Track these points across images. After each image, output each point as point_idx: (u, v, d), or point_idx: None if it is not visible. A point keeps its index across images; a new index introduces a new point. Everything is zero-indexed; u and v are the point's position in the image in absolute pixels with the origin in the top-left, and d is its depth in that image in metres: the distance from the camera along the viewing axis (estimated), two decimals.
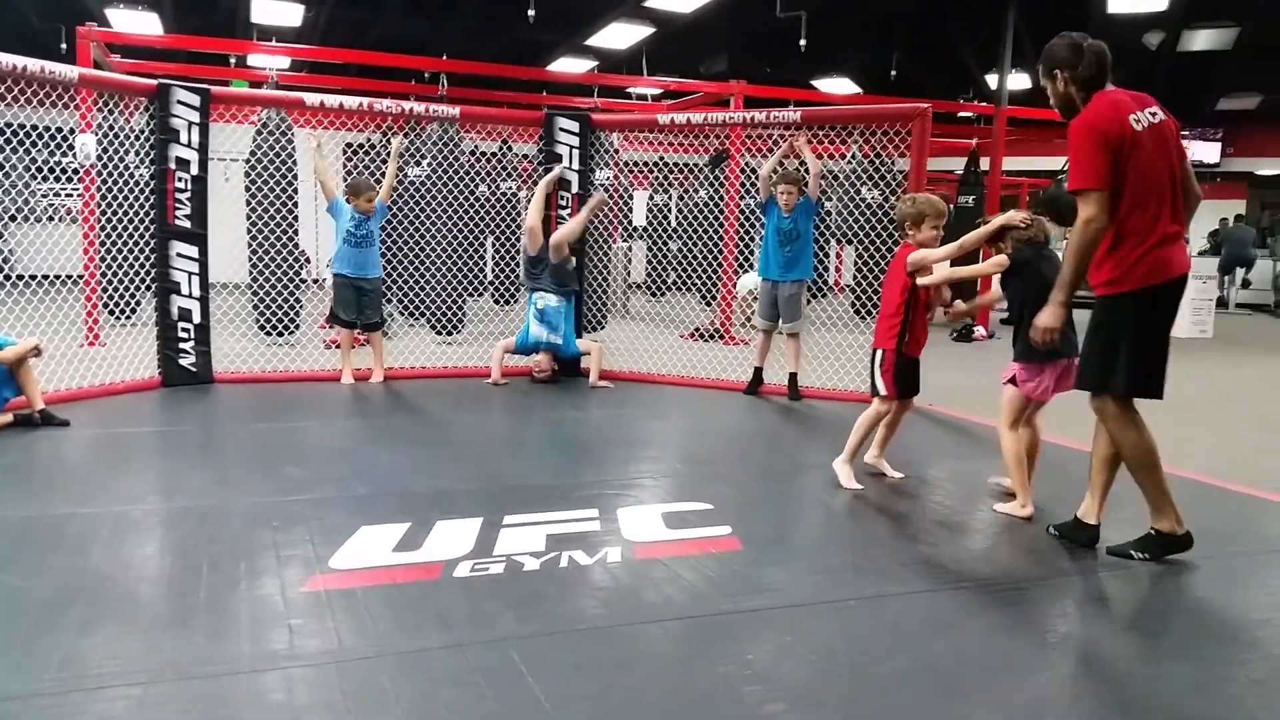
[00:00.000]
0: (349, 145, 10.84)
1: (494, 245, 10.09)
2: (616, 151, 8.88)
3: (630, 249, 12.80)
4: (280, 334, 7.83)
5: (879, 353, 4.22)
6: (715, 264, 9.56)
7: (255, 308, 7.84)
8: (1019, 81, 14.49)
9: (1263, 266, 16.47)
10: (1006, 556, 3.49)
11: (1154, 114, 3.24)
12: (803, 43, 11.72)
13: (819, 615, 2.80)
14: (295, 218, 7.81)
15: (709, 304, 10.67)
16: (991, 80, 12.84)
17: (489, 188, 9.67)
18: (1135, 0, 10.87)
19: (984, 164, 11.90)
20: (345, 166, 10.73)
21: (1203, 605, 3.08)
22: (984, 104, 13.33)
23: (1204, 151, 18.26)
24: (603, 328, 8.27)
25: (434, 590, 2.88)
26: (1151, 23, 12.06)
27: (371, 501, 3.78)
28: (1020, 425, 3.93)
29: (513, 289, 9.75)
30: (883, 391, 4.20)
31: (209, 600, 2.76)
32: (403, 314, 8.83)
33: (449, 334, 8.54)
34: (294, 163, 7.72)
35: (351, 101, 6.87)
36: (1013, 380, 3.91)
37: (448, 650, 2.47)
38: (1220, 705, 2.37)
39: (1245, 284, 16.38)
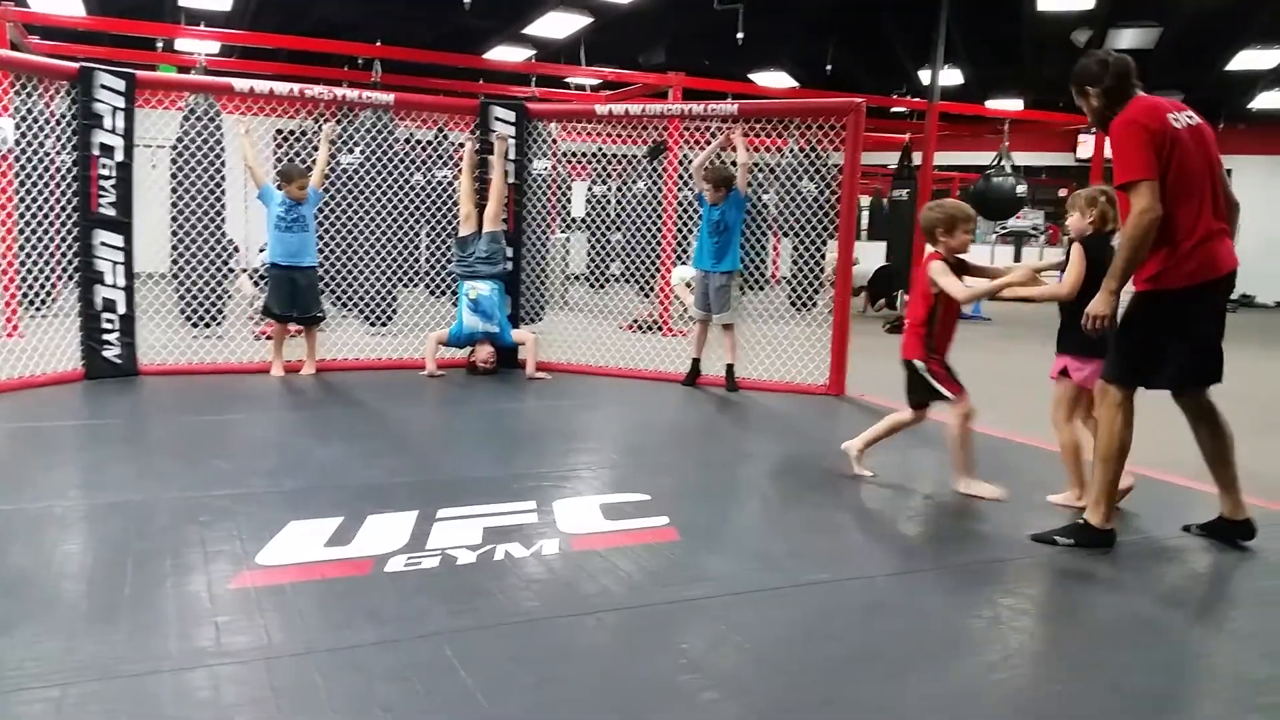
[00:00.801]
0: (279, 131, 10.60)
1: (429, 235, 9.97)
2: (554, 142, 8.84)
3: (569, 240, 12.76)
4: (207, 325, 7.66)
5: (918, 364, 4.03)
6: (654, 255, 9.58)
7: (180, 298, 7.65)
8: (951, 77, 14.76)
9: None
10: (937, 542, 3.57)
11: (1190, 117, 3.34)
12: (740, 36, 11.79)
13: (754, 603, 2.83)
14: (223, 206, 7.63)
15: (646, 295, 10.69)
16: (924, 76, 13.06)
17: (424, 176, 9.54)
18: None
19: (917, 158, 12.11)
20: (276, 153, 10.50)
21: (1120, 589, 3.16)
22: (917, 99, 13.55)
23: None
24: (540, 319, 8.23)
25: (366, 585, 2.85)
26: (1079, 20, 12.35)
27: (302, 496, 3.72)
28: (1073, 419, 3.89)
29: (448, 279, 9.65)
30: (950, 395, 3.98)
31: (134, 598, 2.69)
32: (334, 304, 8.69)
33: (381, 325, 8.44)
34: (222, 150, 7.53)
35: (282, 87, 6.73)
36: (1064, 373, 3.85)
37: (380, 646, 2.45)
38: (1133, 691, 2.45)
39: None
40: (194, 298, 7.56)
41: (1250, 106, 16.52)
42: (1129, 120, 3.27)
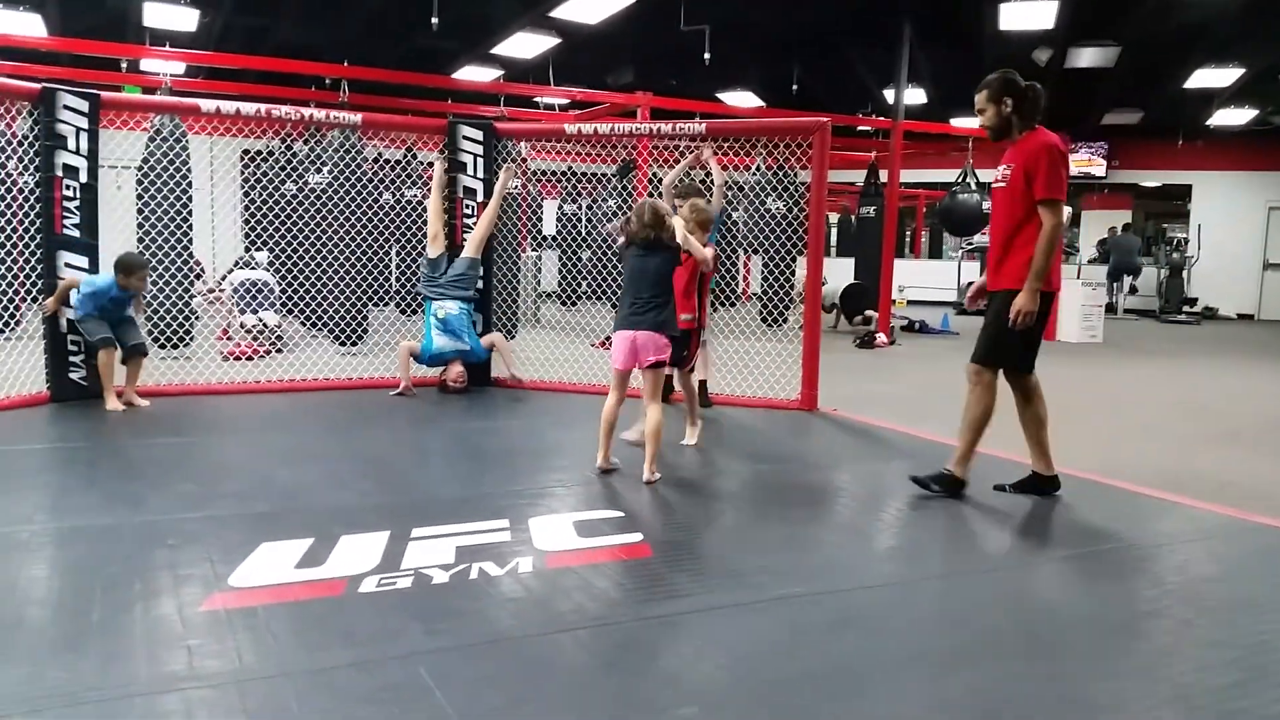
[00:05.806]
0: (246, 152, 10.55)
1: (399, 253, 9.95)
2: (524, 161, 8.85)
3: (540, 258, 12.78)
4: (175, 346, 7.58)
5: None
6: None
7: (148, 319, 7.57)
8: (915, 96, 14.95)
9: (1148, 274, 17.32)
10: (913, 555, 3.59)
11: None
12: (706, 56, 11.89)
13: (728, 618, 2.84)
14: (189, 227, 7.58)
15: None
16: (889, 95, 13.23)
17: (393, 195, 9.53)
18: (1024, 18, 11.33)
19: (884, 176, 12.25)
20: (243, 174, 10.45)
21: (1097, 597, 3.21)
22: (882, 118, 13.70)
23: (1091, 164, 19.17)
24: (513, 337, 8.22)
25: (339, 607, 2.82)
26: (1040, 40, 12.57)
27: (272, 518, 3.69)
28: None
29: (418, 298, 9.63)
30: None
31: (101, 623, 2.65)
32: (304, 324, 8.63)
33: (352, 344, 8.39)
34: (188, 171, 7.49)
35: (249, 107, 6.70)
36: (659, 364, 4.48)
37: (354, 668, 2.43)
38: (1107, 696, 2.48)
39: (1133, 290, 17.17)
40: (161, 319, 7.47)
41: (1208, 124, 16.87)
42: (1056, 145, 3.90)
